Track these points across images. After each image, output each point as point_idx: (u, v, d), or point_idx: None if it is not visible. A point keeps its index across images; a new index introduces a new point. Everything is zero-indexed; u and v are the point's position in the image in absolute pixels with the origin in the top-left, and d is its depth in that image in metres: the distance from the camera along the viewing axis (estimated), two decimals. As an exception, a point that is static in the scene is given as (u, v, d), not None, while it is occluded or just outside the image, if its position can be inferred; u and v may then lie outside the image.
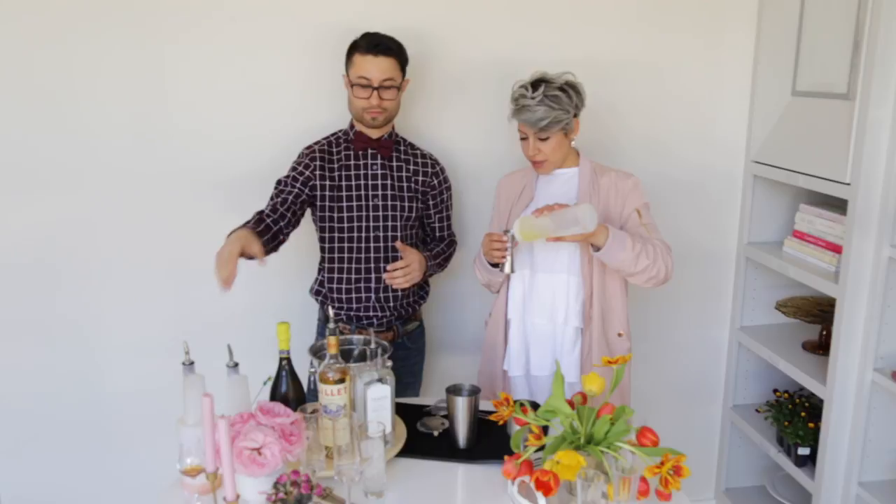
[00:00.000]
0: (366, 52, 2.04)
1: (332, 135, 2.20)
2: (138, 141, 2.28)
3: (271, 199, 2.09)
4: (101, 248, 2.33)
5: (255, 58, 2.28)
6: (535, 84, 1.97)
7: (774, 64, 2.50)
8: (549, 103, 1.94)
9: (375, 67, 2.03)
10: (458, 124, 2.45)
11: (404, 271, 2.09)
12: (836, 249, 2.28)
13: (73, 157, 2.25)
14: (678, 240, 2.60)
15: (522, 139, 2.04)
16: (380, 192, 2.16)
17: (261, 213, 2.01)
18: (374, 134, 2.16)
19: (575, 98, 1.99)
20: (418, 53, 2.29)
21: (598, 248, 1.93)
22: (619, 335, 2.10)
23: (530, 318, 2.12)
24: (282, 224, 2.00)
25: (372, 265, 2.17)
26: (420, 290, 2.30)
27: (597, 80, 2.39)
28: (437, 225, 2.31)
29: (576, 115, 2.02)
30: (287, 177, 2.12)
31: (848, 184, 2.13)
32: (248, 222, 1.96)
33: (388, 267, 2.11)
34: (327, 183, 2.13)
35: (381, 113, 2.08)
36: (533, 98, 1.94)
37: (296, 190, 2.08)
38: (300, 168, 2.12)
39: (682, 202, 2.66)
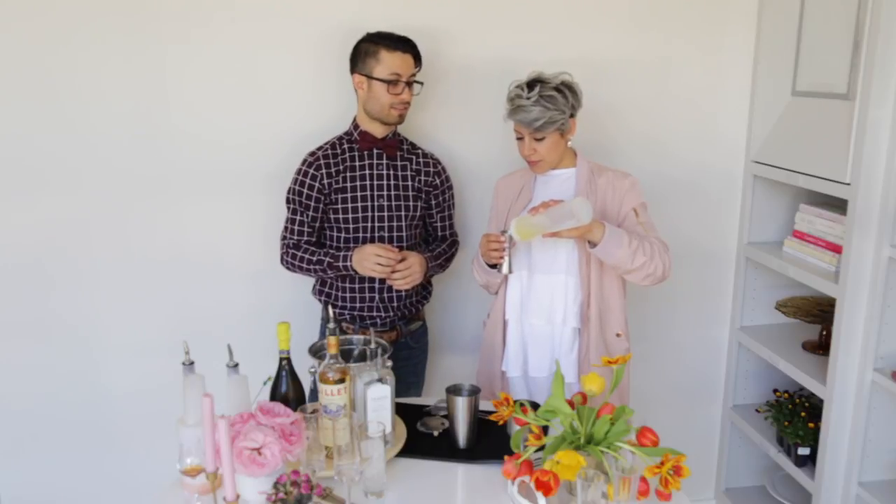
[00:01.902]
0: (395, 49, 2.06)
1: (335, 138, 2.20)
2: (141, 141, 2.28)
3: (296, 220, 2.17)
4: (103, 248, 2.33)
5: (258, 58, 2.28)
6: (531, 84, 1.97)
7: (774, 64, 2.50)
8: (545, 103, 1.94)
9: (405, 63, 2.07)
10: (459, 124, 2.45)
11: (403, 273, 2.09)
12: (836, 249, 2.28)
13: (77, 156, 2.25)
14: (678, 240, 2.61)
15: (518, 139, 2.04)
16: (385, 192, 2.17)
17: (306, 242, 2.18)
18: (379, 133, 2.16)
19: (571, 98, 1.99)
20: (423, 52, 2.30)
21: (594, 245, 1.93)
22: (618, 335, 2.10)
23: (528, 319, 2.12)
24: (320, 233, 2.21)
25: None
26: (423, 290, 2.30)
27: (597, 80, 2.39)
28: (438, 224, 2.30)
29: (572, 116, 2.02)
30: (301, 194, 2.15)
31: (848, 184, 2.13)
32: (316, 254, 2.14)
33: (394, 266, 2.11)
34: (333, 187, 2.14)
35: (406, 108, 2.11)
36: (528, 98, 1.94)
37: (313, 203, 2.15)
38: (308, 181, 2.14)
39: (682, 202, 2.66)
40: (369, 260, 2.05)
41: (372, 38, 2.08)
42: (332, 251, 2.14)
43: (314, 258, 2.14)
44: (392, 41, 2.06)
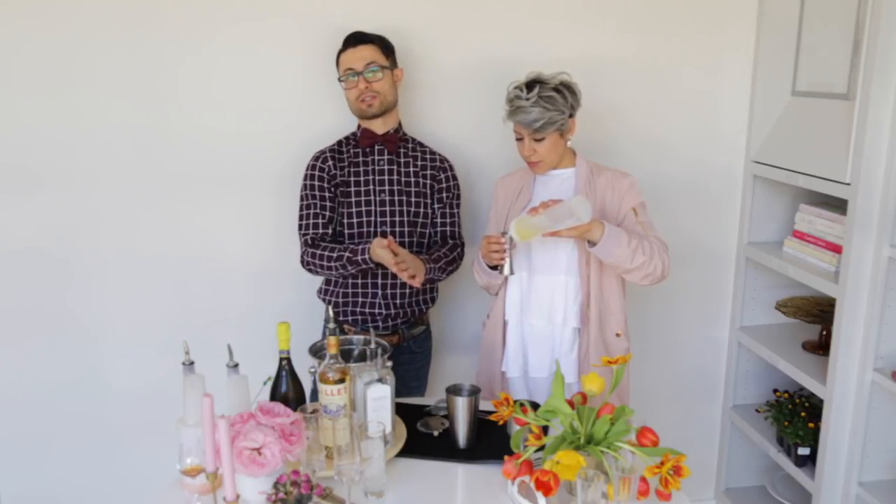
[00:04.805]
0: (345, 49, 2.15)
1: (341, 138, 2.24)
2: (150, 140, 2.29)
3: (310, 213, 2.17)
4: (110, 245, 2.34)
5: (269, 59, 2.29)
6: (530, 85, 1.97)
7: (774, 64, 2.50)
8: (544, 104, 1.94)
9: (356, 56, 2.12)
10: (458, 125, 2.44)
11: (406, 264, 2.01)
12: (836, 249, 2.28)
13: (89, 155, 2.27)
14: (678, 239, 2.60)
15: (518, 140, 2.04)
16: (386, 188, 2.17)
17: (322, 237, 2.17)
18: (379, 129, 2.18)
19: (570, 98, 1.99)
20: (425, 53, 2.32)
21: (594, 244, 1.93)
22: (617, 335, 2.10)
23: (528, 320, 2.12)
24: (336, 227, 2.21)
25: None
26: (428, 293, 2.29)
27: (596, 79, 2.40)
28: (438, 221, 2.27)
29: (571, 116, 2.02)
30: (312, 188, 2.17)
31: (848, 184, 2.13)
32: (336, 250, 2.11)
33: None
34: (339, 180, 2.17)
35: (375, 97, 2.12)
36: (527, 99, 1.94)
37: (327, 194, 2.18)
38: (318, 174, 2.18)
39: (682, 202, 2.66)
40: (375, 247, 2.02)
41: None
42: (350, 245, 2.13)
43: (334, 254, 2.11)
44: (343, 43, 2.16)
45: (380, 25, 2.19)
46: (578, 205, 1.86)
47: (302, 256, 2.18)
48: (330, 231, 2.19)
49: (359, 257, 2.07)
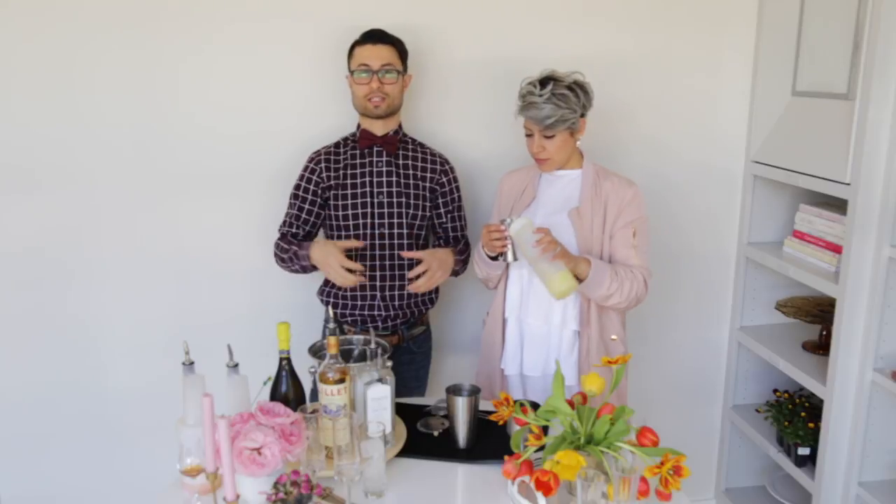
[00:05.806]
0: (363, 42, 2.12)
1: (340, 138, 2.24)
2: (150, 141, 2.28)
3: (291, 213, 2.19)
4: (108, 245, 2.33)
5: (266, 60, 2.29)
6: (544, 82, 1.97)
7: (774, 64, 2.50)
8: (557, 102, 1.94)
9: (374, 54, 2.10)
10: (461, 124, 2.44)
11: (426, 276, 2.06)
12: (836, 249, 2.28)
13: (87, 156, 2.26)
14: (678, 240, 2.61)
15: (528, 136, 2.04)
16: (385, 189, 2.17)
17: (292, 235, 2.18)
18: (378, 131, 2.17)
19: (582, 98, 1.99)
20: (426, 52, 2.31)
21: (578, 280, 1.96)
22: (613, 339, 2.10)
23: (526, 319, 2.12)
24: (311, 229, 2.21)
25: (377, 263, 2.17)
26: (428, 294, 2.28)
27: (597, 80, 2.38)
28: (449, 225, 2.27)
29: (582, 115, 2.02)
30: (299, 188, 2.18)
31: (848, 184, 2.13)
32: (289, 244, 2.13)
33: (409, 275, 2.10)
34: (333, 182, 2.16)
35: (384, 99, 2.11)
36: (540, 96, 1.94)
37: (310, 197, 2.17)
38: (307, 174, 2.18)
39: (682, 202, 2.66)
40: (334, 267, 2.00)
41: (356, 39, 2.15)
42: (305, 242, 2.14)
43: (288, 246, 2.14)
44: (364, 37, 2.13)
45: (381, 25, 2.18)
46: (563, 286, 1.91)
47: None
48: (301, 233, 2.20)
49: (302, 252, 2.10)
